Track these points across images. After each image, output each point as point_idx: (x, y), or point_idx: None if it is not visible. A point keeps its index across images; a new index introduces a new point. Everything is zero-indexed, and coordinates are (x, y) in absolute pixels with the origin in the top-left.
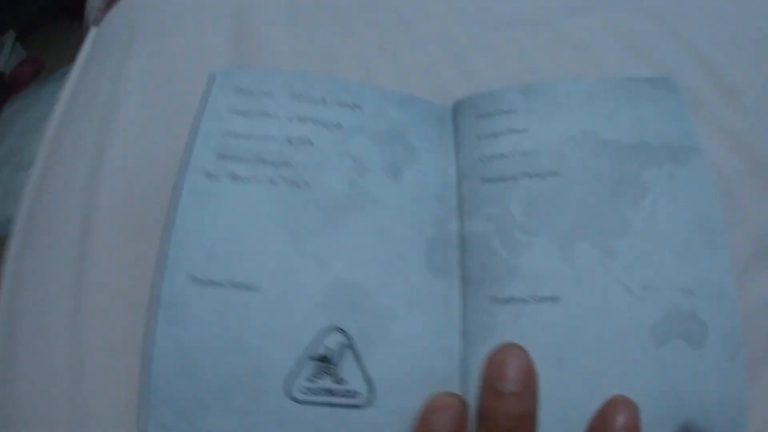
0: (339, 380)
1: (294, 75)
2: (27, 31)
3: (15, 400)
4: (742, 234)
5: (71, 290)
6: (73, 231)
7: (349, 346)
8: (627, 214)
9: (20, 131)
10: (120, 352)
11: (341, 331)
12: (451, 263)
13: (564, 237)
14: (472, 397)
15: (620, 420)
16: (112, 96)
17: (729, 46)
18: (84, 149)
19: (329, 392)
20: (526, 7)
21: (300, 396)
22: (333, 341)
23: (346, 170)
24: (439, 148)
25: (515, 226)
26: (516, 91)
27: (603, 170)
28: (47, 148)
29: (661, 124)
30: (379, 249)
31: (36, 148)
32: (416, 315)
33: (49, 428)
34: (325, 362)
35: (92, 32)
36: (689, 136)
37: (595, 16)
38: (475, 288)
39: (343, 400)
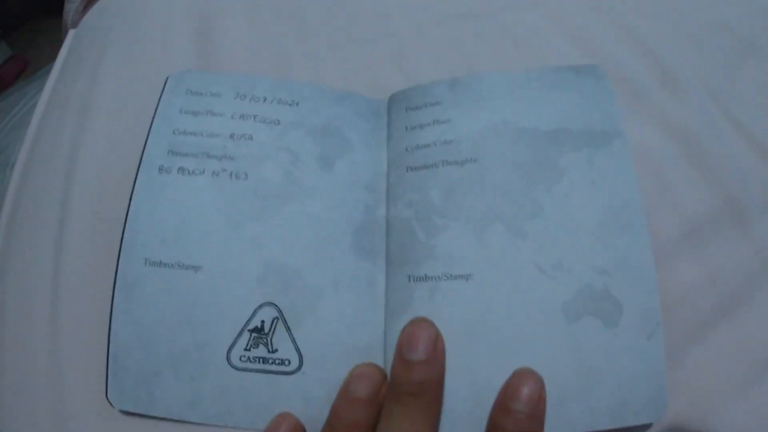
0: (272, 349)
1: (240, 76)
2: (12, 29)
3: None
4: (671, 218)
5: (50, 276)
6: (51, 223)
7: (281, 318)
8: (540, 198)
9: (6, 129)
10: (93, 331)
11: (273, 305)
12: (377, 246)
13: (478, 220)
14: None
15: (525, 391)
16: (87, 97)
17: (672, 36)
18: (61, 148)
19: (263, 360)
20: (470, 0)
21: (239, 364)
22: (266, 314)
23: (282, 162)
24: (372, 140)
25: (433, 210)
26: (443, 84)
27: (520, 157)
28: (28, 148)
29: (582, 110)
30: (310, 234)
31: (21, 146)
32: (343, 293)
33: (30, 398)
34: (259, 333)
35: (70, 34)
36: (612, 121)
37: (537, 8)
38: (395, 267)
39: (276, 368)
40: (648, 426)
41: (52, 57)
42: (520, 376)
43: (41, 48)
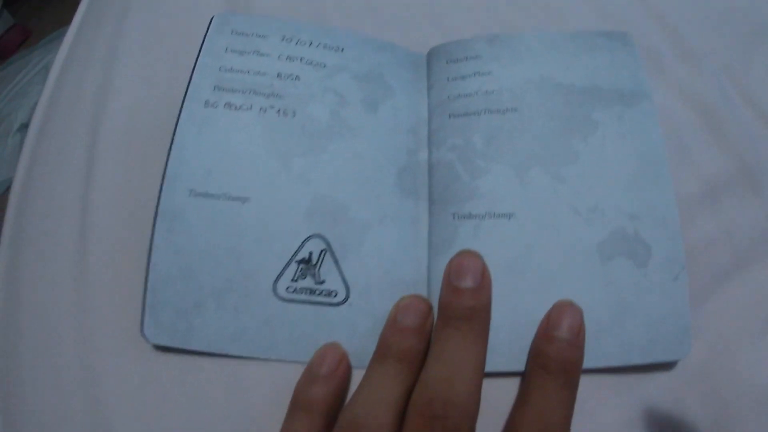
0: (319, 281)
1: (285, 21)
2: None
3: (19, 317)
4: (691, 178)
5: (77, 208)
6: (78, 161)
7: (328, 250)
8: (576, 146)
9: (8, 97)
10: (122, 266)
11: (321, 237)
12: (419, 186)
13: (519, 163)
14: (436, 301)
15: (567, 320)
16: (113, 46)
17: (694, 17)
18: (84, 98)
19: (310, 291)
20: None
21: (285, 294)
22: (314, 246)
23: (328, 103)
24: (413, 89)
25: (476, 154)
26: (483, 40)
27: (557, 108)
28: (48, 96)
29: (613, 72)
30: (356, 171)
31: (25, 114)
32: (388, 228)
33: (53, 336)
34: (306, 264)
35: None
36: (640, 84)
37: None
38: (439, 207)
39: (322, 299)
40: (673, 364)
41: (55, 26)
42: (562, 306)
43: (43, 17)
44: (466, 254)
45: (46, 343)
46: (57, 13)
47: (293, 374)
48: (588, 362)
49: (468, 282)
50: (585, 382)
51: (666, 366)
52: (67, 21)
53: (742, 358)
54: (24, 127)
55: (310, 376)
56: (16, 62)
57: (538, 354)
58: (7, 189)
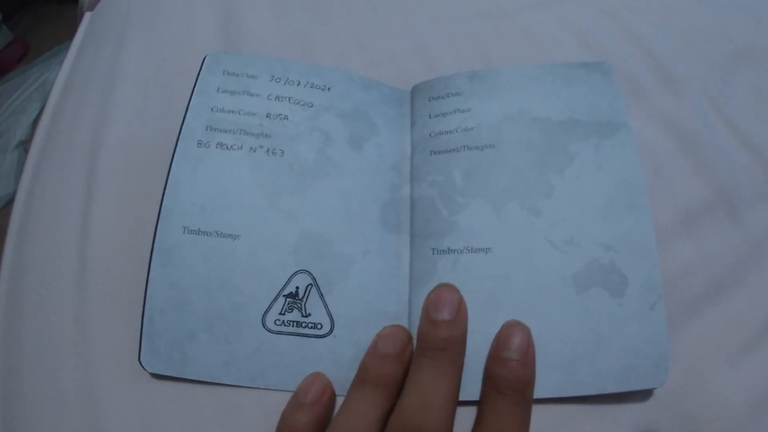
0: (305, 314)
1: (274, 61)
2: (13, 12)
3: (21, 342)
4: (669, 205)
5: (77, 237)
6: (77, 194)
7: (314, 285)
8: (552, 180)
9: (6, 113)
10: (121, 297)
11: (308, 272)
12: (402, 221)
13: (496, 198)
14: (416, 332)
15: (514, 341)
16: (110, 76)
17: (673, 40)
18: (83, 124)
19: (297, 324)
20: (487, 0)
21: (273, 327)
22: (300, 281)
23: (315, 141)
24: (397, 126)
25: (455, 190)
26: (463, 77)
27: (534, 143)
28: (46, 124)
29: (591, 103)
30: (341, 207)
31: (23, 130)
32: (371, 262)
33: (54, 366)
34: (293, 298)
35: (86, 17)
36: (617, 113)
37: (549, 10)
38: (420, 241)
39: (308, 331)
40: (650, 392)
41: (54, 42)
42: (509, 327)
43: (42, 32)
44: (443, 288)
45: (47, 368)
46: (56, 28)
47: (281, 401)
48: (564, 391)
49: (445, 314)
50: (560, 411)
51: (643, 393)
52: (65, 36)
53: (717, 383)
54: (22, 143)
55: (296, 404)
56: (15, 78)
57: (489, 376)
58: (6, 204)
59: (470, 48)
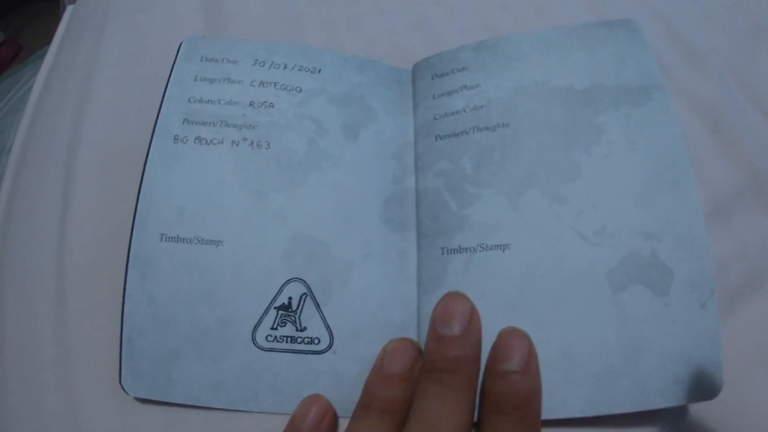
0: (300, 328)
1: (257, 43)
2: (4, 12)
3: (1, 360)
4: (700, 191)
5: (54, 257)
6: (54, 201)
7: (309, 295)
8: (578, 160)
9: (1, 114)
10: (103, 314)
11: (301, 280)
12: (407, 218)
13: (513, 186)
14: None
15: (514, 351)
16: (88, 71)
17: (694, 11)
18: (62, 124)
19: (291, 339)
20: None
21: (264, 343)
22: (294, 290)
23: (305, 131)
24: (397, 109)
25: (465, 179)
26: (469, 49)
27: (554, 118)
28: (27, 124)
29: (618, 65)
30: (337, 205)
31: (17, 131)
32: (373, 266)
33: (36, 389)
34: (286, 311)
35: (68, 11)
36: (649, 75)
37: None
38: (428, 240)
39: (305, 347)
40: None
41: (46, 41)
42: (505, 336)
43: (35, 32)
44: (451, 297)
45: (29, 389)
46: (48, 27)
47: (279, 425)
48: (597, 409)
49: (454, 329)
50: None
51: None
52: None
53: (759, 386)
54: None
55: (293, 430)
56: (8, 78)
57: (488, 395)
58: None
59: (473, 21)
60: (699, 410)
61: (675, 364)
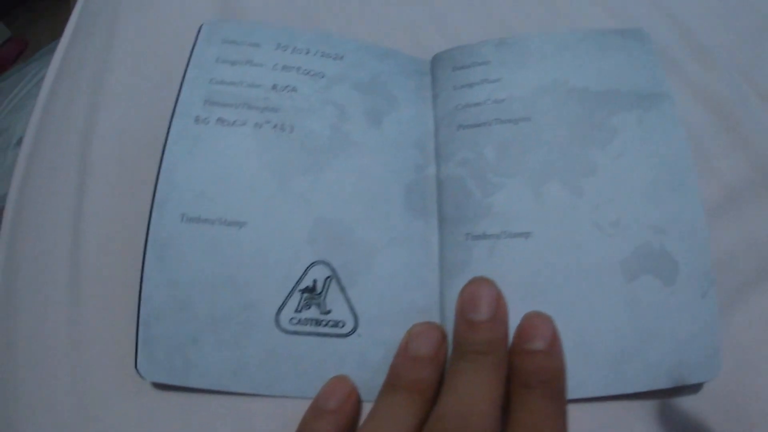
0: (325, 310)
1: (280, 28)
2: (10, 9)
3: (14, 350)
4: (711, 184)
5: (69, 239)
6: (69, 186)
7: (334, 278)
8: (594, 156)
9: (7, 110)
10: (118, 297)
11: (326, 263)
12: (429, 204)
13: (534, 177)
14: (450, 328)
15: (538, 331)
16: (102, 61)
17: (702, 7)
18: (76, 114)
19: (316, 322)
20: None
21: (288, 326)
22: (318, 273)
23: (328, 116)
24: (417, 98)
25: (488, 168)
26: (491, 45)
27: (572, 115)
28: (38, 117)
29: (630, 72)
30: (361, 190)
31: (23, 127)
32: (397, 251)
33: (48, 374)
34: (311, 293)
35: (80, 3)
36: (658, 84)
37: None
38: (451, 226)
39: (329, 330)
40: (699, 386)
41: (52, 38)
42: (530, 318)
43: (40, 29)
44: (478, 283)
45: (41, 378)
46: (53, 24)
47: (301, 409)
48: (613, 389)
49: (483, 314)
50: (608, 410)
51: (693, 388)
52: (63, 31)
53: None
54: (22, 140)
55: (316, 411)
56: (13, 75)
57: (515, 371)
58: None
59: (488, 15)
60: (712, 392)
61: (680, 349)
